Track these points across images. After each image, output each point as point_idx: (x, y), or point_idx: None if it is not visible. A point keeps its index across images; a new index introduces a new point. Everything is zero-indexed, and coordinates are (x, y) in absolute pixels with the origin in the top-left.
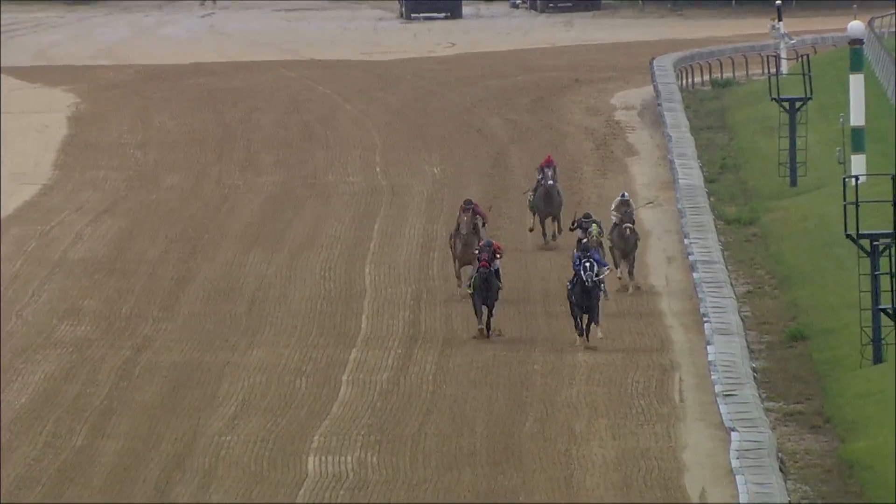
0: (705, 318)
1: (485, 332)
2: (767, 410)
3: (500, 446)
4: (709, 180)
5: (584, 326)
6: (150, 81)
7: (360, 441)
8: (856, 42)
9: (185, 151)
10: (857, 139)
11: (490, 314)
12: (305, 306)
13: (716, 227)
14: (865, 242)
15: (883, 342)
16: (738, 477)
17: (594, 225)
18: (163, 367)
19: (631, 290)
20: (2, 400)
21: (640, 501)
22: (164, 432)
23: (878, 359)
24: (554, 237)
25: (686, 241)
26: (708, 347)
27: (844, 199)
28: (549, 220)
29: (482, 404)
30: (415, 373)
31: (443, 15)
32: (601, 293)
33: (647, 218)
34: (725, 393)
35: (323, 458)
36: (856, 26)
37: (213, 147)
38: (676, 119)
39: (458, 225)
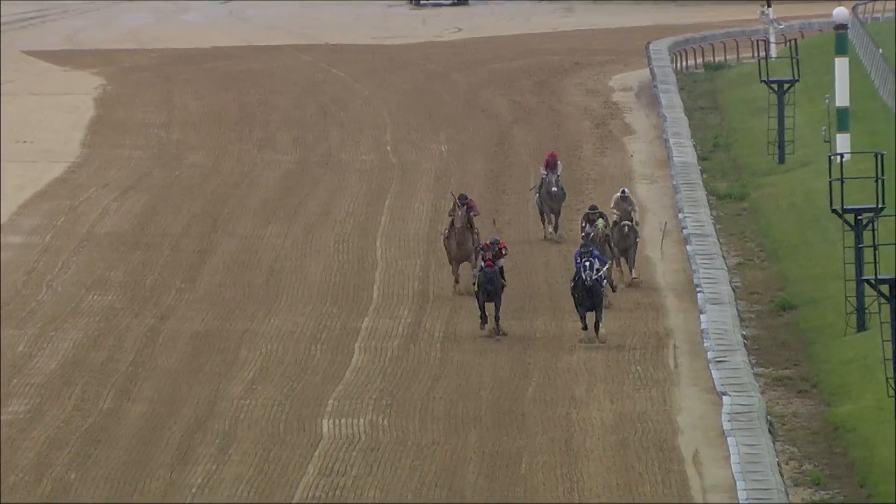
0: (698, 289)
1: (492, 332)
2: (757, 376)
3: (504, 410)
4: (702, 158)
5: (594, 324)
6: (172, 64)
7: (372, 405)
8: (841, 27)
9: (206, 131)
10: (842, 119)
11: (497, 313)
12: (320, 277)
13: (708, 202)
14: (850, 216)
15: (866, 311)
16: (729, 438)
17: (600, 219)
18: (185, 335)
19: (629, 284)
20: (34, 365)
21: (641, 492)
22: (187, 396)
23: (861, 327)
24: (555, 229)
25: (680, 215)
26: (701, 316)
27: (830, 176)
28: (552, 216)
29: (487, 370)
30: (424, 340)
31: (450, 2)
32: (603, 290)
33: (644, 194)
34: (717, 359)
35: (337, 421)
36: (841, 12)
37: (232, 126)
38: (671, 100)
39: (453, 220)
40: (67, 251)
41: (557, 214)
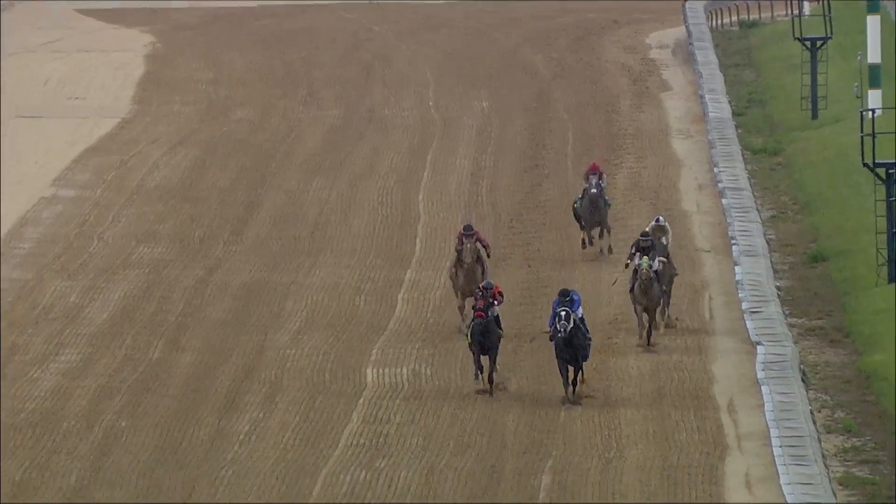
0: (733, 241)
1: (487, 387)
2: (790, 326)
3: (543, 359)
4: (736, 114)
5: (571, 379)
6: (219, 22)
7: (415, 354)
8: None
9: (252, 87)
10: (874, 75)
11: (493, 367)
12: (364, 230)
13: (743, 156)
14: (881, 171)
15: None
16: (763, 387)
17: (645, 258)
18: (232, 287)
19: (662, 330)
20: (85, 315)
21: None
22: (234, 346)
23: (892, 278)
24: (610, 250)
25: (715, 169)
26: (736, 268)
27: (861, 131)
28: (596, 230)
29: (527, 319)
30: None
31: None
32: (590, 342)
33: (680, 149)
34: (752, 310)
35: (380, 371)
36: None
37: (278, 83)
38: (707, 57)
39: (459, 253)
40: (118, 205)
41: (605, 227)
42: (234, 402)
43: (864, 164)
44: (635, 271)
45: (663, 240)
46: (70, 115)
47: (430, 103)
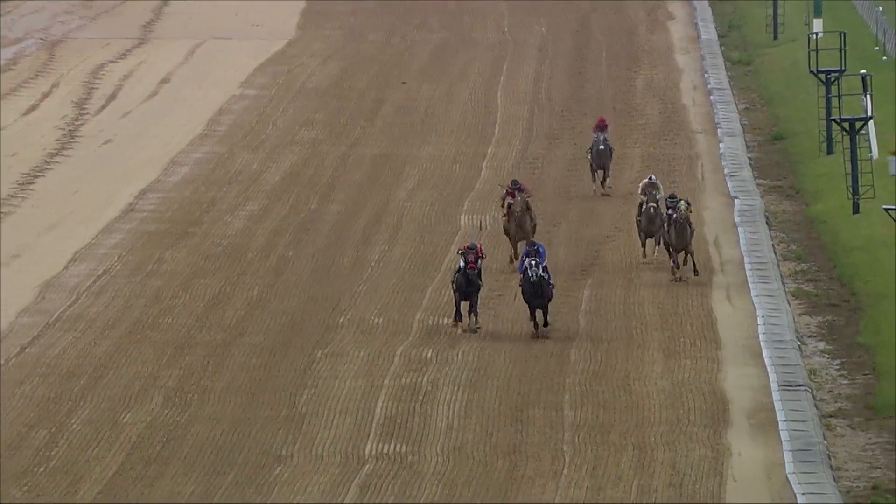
0: (718, 125)
1: (465, 327)
2: (758, 185)
3: (584, 207)
4: (720, 36)
5: (537, 321)
6: None
7: (494, 206)
8: None
9: (380, 17)
10: (818, 7)
11: (473, 310)
12: (459, 118)
13: (725, 66)
14: (822, 76)
15: (834, 140)
16: (739, 228)
17: (682, 202)
18: (367, 157)
19: (690, 269)
20: (263, 178)
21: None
22: (368, 199)
23: (830, 151)
24: (603, 184)
25: (705, 75)
26: (720, 144)
27: (808, 48)
28: (600, 172)
29: (571, 182)
30: (530, 159)
31: None
32: (551, 288)
33: (681, 61)
34: (731, 174)
35: (470, 217)
36: None
37: (399, 14)
38: None
39: (509, 206)
40: (286, 100)
41: (606, 170)
42: (367, 238)
43: (811, 71)
44: (669, 218)
45: (654, 193)
46: (252, 37)
47: (505, 29)
